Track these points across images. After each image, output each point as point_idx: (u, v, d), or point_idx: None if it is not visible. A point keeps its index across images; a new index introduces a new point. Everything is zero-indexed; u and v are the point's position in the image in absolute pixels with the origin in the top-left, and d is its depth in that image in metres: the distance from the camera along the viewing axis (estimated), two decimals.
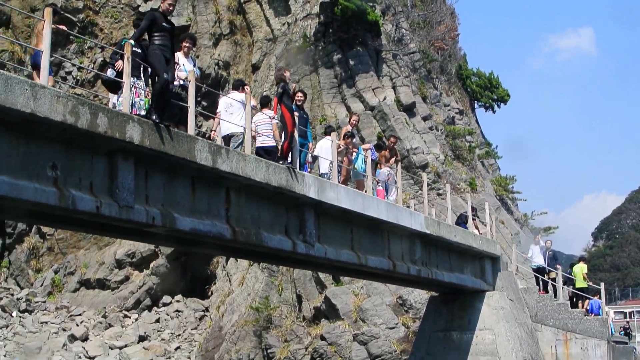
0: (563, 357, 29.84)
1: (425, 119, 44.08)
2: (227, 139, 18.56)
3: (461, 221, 29.47)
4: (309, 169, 20.98)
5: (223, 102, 19.50)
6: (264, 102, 19.63)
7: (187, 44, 17.66)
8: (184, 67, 17.05)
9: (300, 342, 33.29)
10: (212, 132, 21.21)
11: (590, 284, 36.16)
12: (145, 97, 15.44)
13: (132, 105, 14.62)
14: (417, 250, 23.30)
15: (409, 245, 23.16)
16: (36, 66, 15.16)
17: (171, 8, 15.33)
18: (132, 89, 14.77)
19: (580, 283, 35.12)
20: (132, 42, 14.69)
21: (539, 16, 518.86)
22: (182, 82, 16.57)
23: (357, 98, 43.25)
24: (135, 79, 15.13)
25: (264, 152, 17.94)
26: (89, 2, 51.77)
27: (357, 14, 42.69)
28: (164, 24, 14.91)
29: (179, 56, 17.18)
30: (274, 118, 18.78)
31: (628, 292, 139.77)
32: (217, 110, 19.59)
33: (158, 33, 14.80)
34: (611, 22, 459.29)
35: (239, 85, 19.78)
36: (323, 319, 33.90)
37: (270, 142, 18.59)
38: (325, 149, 21.83)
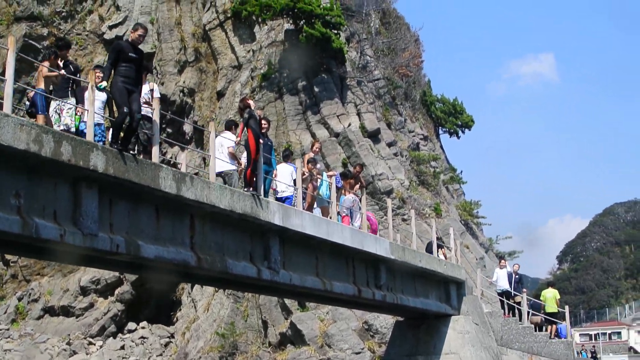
0: None
1: (390, 145, 44.34)
2: (221, 177, 19.01)
3: (430, 249, 29.71)
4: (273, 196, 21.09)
5: (217, 141, 19.56)
6: (229, 126, 19.85)
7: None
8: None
9: None
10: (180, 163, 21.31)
11: (560, 309, 36.44)
12: (76, 115, 15.72)
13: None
14: (382, 276, 23.36)
15: (374, 271, 23.24)
16: (34, 105, 15.55)
17: (141, 39, 15.38)
18: (59, 109, 15.07)
19: (551, 308, 35.39)
20: (104, 83, 14.86)
21: (501, 42, 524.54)
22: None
23: (321, 124, 43.45)
24: (61, 99, 15.43)
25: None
26: (53, 30, 51.70)
27: (322, 42, 42.96)
28: (130, 54, 14.87)
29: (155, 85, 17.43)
30: (239, 143, 18.91)
31: (593, 315, 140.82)
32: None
33: (124, 64, 14.77)
34: (572, 48, 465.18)
35: (230, 125, 20.10)
36: (289, 345, 33.87)
37: (230, 167, 19.17)
38: (283, 173, 21.97)
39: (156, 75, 50.23)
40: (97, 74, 16.18)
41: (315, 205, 22.81)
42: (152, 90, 17.65)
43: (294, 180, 21.30)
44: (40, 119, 15.30)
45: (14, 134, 11.36)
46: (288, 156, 23.43)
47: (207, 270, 16.66)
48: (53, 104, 15.62)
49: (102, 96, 16.58)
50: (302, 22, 43.76)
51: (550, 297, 35.89)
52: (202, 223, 16.35)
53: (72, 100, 16.02)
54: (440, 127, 57.07)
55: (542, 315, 34.66)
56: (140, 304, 46.68)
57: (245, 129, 18.58)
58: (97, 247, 13.35)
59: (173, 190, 14.64)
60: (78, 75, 16.76)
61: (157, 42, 50.90)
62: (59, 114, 15.96)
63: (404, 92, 51.01)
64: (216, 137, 19.60)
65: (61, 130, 14.46)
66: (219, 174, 18.96)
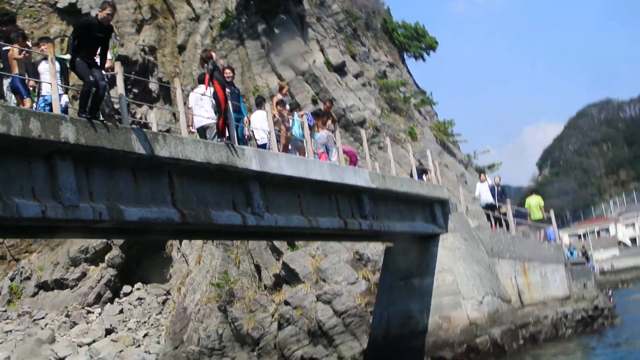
0: (524, 286, 30.51)
1: (357, 76, 44.36)
2: (202, 130, 19.13)
3: (418, 174, 30.01)
4: (249, 144, 21.16)
5: (193, 96, 19.87)
6: (202, 79, 19.94)
7: None
8: None
9: (265, 310, 33.58)
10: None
11: (546, 214, 36.95)
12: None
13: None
14: (365, 206, 23.55)
15: (357, 202, 23.41)
16: (16, 91, 15.50)
17: (109, 17, 15.20)
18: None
19: (537, 215, 35.93)
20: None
21: None
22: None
23: (286, 65, 43.39)
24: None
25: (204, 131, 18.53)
26: (5, 5, 51.04)
27: None
28: (97, 33, 14.72)
29: None
30: (204, 94, 18.99)
31: (579, 214, 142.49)
32: (189, 105, 19.86)
33: (88, 41, 14.61)
34: None
35: (203, 79, 20.13)
36: (284, 285, 34.21)
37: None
38: (259, 120, 22.01)
39: (115, 38, 49.75)
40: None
41: (290, 147, 22.96)
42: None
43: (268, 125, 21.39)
44: (27, 102, 15.33)
45: None
46: (261, 103, 23.42)
47: (192, 224, 16.76)
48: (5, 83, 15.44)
49: (56, 67, 16.60)
50: None
51: (535, 204, 36.43)
52: (181, 179, 16.41)
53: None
54: (404, 53, 56.99)
55: (528, 223, 35.19)
56: (132, 267, 46.93)
57: (211, 80, 18.61)
58: (80, 217, 13.42)
59: (147, 151, 14.71)
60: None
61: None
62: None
63: (364, 22, 50.83)
64: (190, 92, 19.74)
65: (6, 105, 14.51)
66: (200, 129, 19.21)
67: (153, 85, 47.51)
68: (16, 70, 15.77)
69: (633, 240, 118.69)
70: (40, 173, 12.98)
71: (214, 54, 19.59)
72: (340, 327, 30.30)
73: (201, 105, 19.22)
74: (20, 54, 15.85)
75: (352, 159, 25.98)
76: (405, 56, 57.46)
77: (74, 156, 13.40)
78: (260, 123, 21.76)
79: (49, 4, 51.81)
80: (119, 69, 15.99)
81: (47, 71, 15.95)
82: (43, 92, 16.12)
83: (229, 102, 18.57)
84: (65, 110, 15.97)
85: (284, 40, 43.81)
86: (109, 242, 45.86)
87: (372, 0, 53.66)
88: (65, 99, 16.65)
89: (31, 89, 16.18)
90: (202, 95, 19.19)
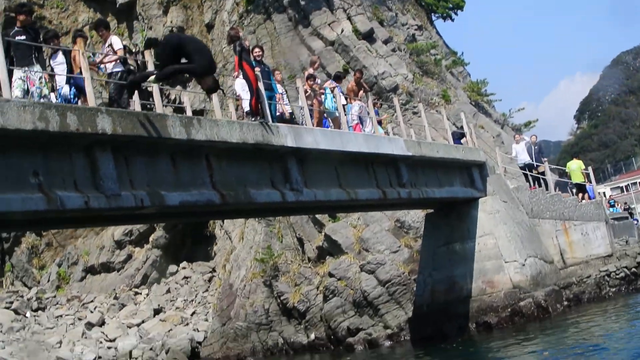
0: (565, 245, 30.48)
1: (386, 42, 44.14)
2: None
3: (456, 138, 29.98)
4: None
5: (238, 83, 20.77)
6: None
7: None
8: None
9: (310, 283, 33.74)
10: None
11: (586, 179, 36.78)
12: (46, 81, 15.82)
13: (30, 95, 15.02)
14: (403, 174, 23.60)
15: (394, 171, 23.48)
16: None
17: None
18: (26, 78, 15.16)
19: (578, 178, 35.82)
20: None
21: None
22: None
23: (315, 36, 43.32)
24: (27, 67, 15.41)
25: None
26: None
27: None
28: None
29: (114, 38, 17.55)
30: (237, 76, 19.12)
31: (620, 167, 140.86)
32: (237, 93, 21.03)
33: None
34: None
35: None
36: (328, 257, 34.34)
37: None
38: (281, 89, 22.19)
39: (142, 21, 49.97)
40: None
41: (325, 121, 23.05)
42: (110, 45, 17.63)
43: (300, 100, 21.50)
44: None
45: (19, 116, 11.62)
46: (337, 78, 23.81)
47: (232, 205, 17.01)
48: (18, 73, 15.49)
49: (62, 60, 16.78)
50: None
51: (576, 168, 36.34)
52: (219, 160, 16.63)
53: (38, 67, 15.93)
54: (432, 14, 56.58)
55: (570, 187, 35.16)
56: (177, 246, 47.37)
57: (240, 62, 18.70)
58: (122, 205, 13.70)
59: (183, 135, 14.92)
60: (39, 41, 16.72)
61: None
62: (27, 84, 15.72)
63: None
64: (235, 79, 20.26)
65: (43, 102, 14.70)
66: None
67: None
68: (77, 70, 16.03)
69: None
70: (81, 165, 13.23)
71: (240, 33, 19.66)
72: (384, 297, 30.40)
73: (247, 91, 19.31)
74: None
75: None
76: (433, 17, 57.05)
77: (112, 146, 13.65)
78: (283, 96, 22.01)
79: None
80: (149, 56, 16.12)
81: (61, 64, 16.18)
82: (58, 85, 16.28)
83: (260, 82, 18.66)
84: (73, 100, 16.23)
85: (310, 11, 43.70)
86: (152, 224, 46.30)
87: None
88: (67, 89, 16.77)
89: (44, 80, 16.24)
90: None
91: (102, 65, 17.37)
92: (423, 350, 26.73)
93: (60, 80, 16.46)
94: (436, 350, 25.93)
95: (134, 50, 48.24)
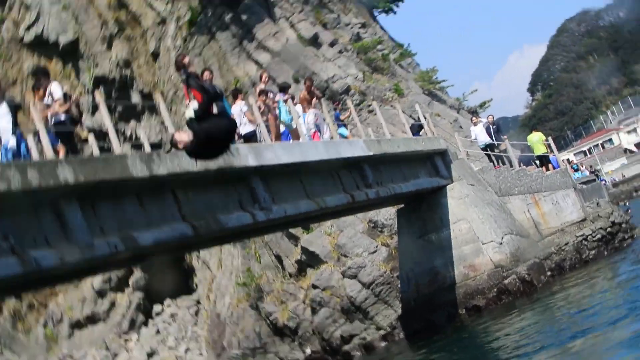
0: (538, 217, 30.63)
1: (332, 44, 44.23)
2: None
3: (415, 130, 30.06)
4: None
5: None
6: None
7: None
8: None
9: (296, 298, 33.68)
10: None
11: (548, 150, 37.03)
12: None
13: None
14: (368, 174, 23.63)
15: (359, 172, 23.50)
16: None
17: None
18: None
19: (539, 150, 36.10)
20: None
21: None
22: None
23: (261, 49, 43.33)
24: None
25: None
26: None
27: None
28: None
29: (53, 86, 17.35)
30: (188, 105, 19.04)
31: (580, 131, 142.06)
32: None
33: None
34: None
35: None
36: (308, 269, 34.28)
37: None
38: (236, 113, 22.02)
39: (88, 60, 49.55)
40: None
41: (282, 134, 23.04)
42: (51, 94, 17.50)
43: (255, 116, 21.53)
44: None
45: None
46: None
47: (205, 234, 16.93)
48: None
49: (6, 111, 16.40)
50: None
51: (537, 141, 36.67)
52: (185, 192, 16.52)
53: None
54: (374, 10, 56.76)
55: (534, 160, 35.42)
56: (157, 285, 47.02)
57: (189, 90, 18.63)
58: (97, 254, 13.51)
59: (146, 173, 14.76)
60: None
61: (77, 26, 49.94)
62: None
63: None
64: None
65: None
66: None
67: (136, 98, 47.36)
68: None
69: (638, 145, 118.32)
70: (49, 220, 13.04)
71: (186, 59, 19.55)
72: (371, 299, 30.46)
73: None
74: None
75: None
76: (375, 13, 57.22)
77: (77, 196, 13.45)
78: (238, 115, 21.84)
79: (16, 40, 51.57)
80: (99, 96, 16.04)
81: (5, 115, 15.85)
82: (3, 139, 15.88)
83: (214, 102, 18.57)
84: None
85: (253, 25, 43.69)
86: (129, 267, 45.86)
87: None
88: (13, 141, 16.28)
89: None
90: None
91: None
92: (418, 344, 26.82)
93: (5, 133, 16.01)
94: (431, 342, 26.02)
95: (79, 92, 47.87)
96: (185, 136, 11.76)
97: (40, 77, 18.09)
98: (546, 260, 28.50)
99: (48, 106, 17.08)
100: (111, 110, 42.54)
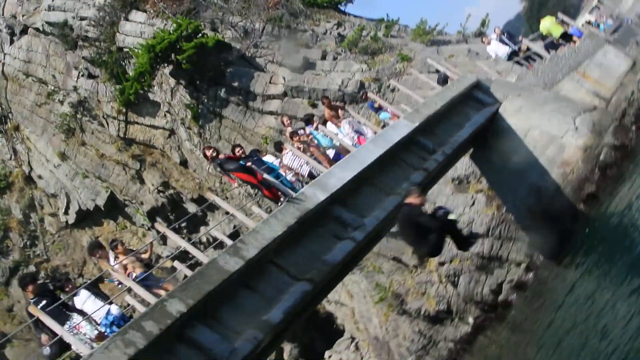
0: (594, 86, 30.18)
1: (324, 57, 44.48)
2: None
3: (442, 82, 29.95)
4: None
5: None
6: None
7: None
8: None
9: (432, 283, 33.50)
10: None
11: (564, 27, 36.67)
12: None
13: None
14: (426, 143, 23.68)
15: (418, 146, 23.54)
16: None
17: None
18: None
19: (557, 31, 35.72)
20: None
21: None
22: None
23: (267, 100, 43.70)
24: (67, 322, 15.06)
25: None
26: None
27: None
28: None
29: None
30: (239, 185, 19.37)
31: None
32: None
33: None
34: None
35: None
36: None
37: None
38: (289, 158, 22.19)
39: (131, 204, 50.48)
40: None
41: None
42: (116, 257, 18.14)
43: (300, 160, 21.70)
44: None
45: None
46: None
47: (323, 280, 17.19)
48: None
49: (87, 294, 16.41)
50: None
51: (550, 25, 36.22)
52: (283, 257, 16.82)
53: (75, 315, 15.51)
54: (339, 7, 56.66)
55: (558, 43, 35.03)
56: (310, 344, 47.08)
57: (228, 174, 19.05)
58: (245, 355, 13.88)
59: (240, 262, 15.22)
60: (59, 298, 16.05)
61: (104, 183, 50.98)
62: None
63: (288, 15, 50.81)
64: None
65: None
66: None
67: (192, 208, 47.88)
68: None
69: None
70: (186, 353, 13.47)
71: (208, 152, 19.78)
72: (496, 244, 30.11)
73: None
74: None
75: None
76: (341, 8, 57.13)
77: (197, 317, 13.91)
78: (292, 161, 21.99)
79: (63, 227, 52.89)
80: (162, 227, 16.35)
81: (88, 297, 15.93)
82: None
83: (259, 171, 18.89)
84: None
85: (247, 85, 44.01)
86: None
87: None
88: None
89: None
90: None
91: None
92: (562, 261, 26.64)
93: (99, 311, 15.82)
94: (573, 251, 25.84)
95: (142, 233, 48.83)
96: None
97: (97, 251, 18.50)
98: (624, 118, 28.11)
99: (125, 268, 17.36)
100: (178, 230, 43.02)
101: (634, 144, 26.48)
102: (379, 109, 27.87)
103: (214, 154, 19.47)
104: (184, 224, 46.50)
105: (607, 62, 30.97)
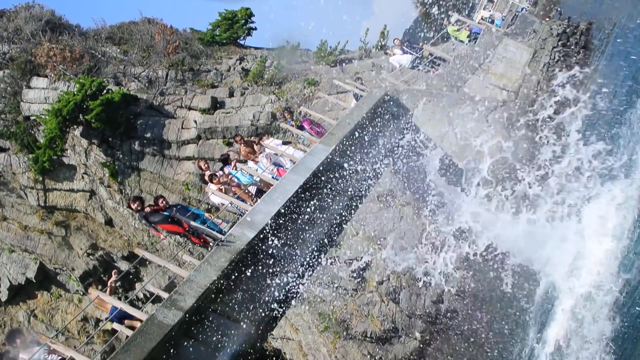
0: (499, 81, 30.56)
1: (231, 95, 44.43)
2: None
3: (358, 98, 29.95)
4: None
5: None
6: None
7: None
8: None
9: (370, 302, 33.66)
10: None
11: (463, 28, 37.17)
12: None
13: None
14: (344, 165, 23.70)
15: (337, 171, 23.50)
16: None
17: None
18: None
19: (464, 36, 36.15)
20: None
21: None
22: None
23: (182, 145, 43.41)
24: None
25: None
26: None
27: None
28: None
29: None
30: (165, 237, 19.11)
31: None
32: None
33: None
34: None
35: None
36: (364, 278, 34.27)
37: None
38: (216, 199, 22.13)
39: (62, 272, 49.61)
40: None
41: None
42: None
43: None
44: None
45: None
46: (225, 161, 23.98)
47: (265, 320, 16.96)
48: None
49: None
50: None
51: (452, 31, 36.67)
52: (220, 302, 16.59)
53: None
54: (238, 41, 56.64)
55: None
56: None
57: (155, 227, 18.82)
58: None
59: (178, 315, 14.94)
60: None
61: (33, 261, 50.15)
62: None
63: (188, 68, 50.67)
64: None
65: None
66: None
67: (124, 266, 47.32)
68: None
69: None
70: None
71: (133, 205, 19.61)
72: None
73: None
74: None
75: (322, 131, 26.40)
76: (241, 42, 57.08)
77: None
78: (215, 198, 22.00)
79: None
80: (94, 291, 16.06)
81: None
82: None
83: (184, 220, 18.70)
84: None
85: (159, 133, 43.66)
86: None
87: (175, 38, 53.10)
88: None
89: None
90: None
91: None
92: None
93: None
94: None
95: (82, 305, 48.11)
96: None
97: (17, 337, 17.82)
98: (534, 108, 28.45)
99: None
100: (117, 293, 42.28)
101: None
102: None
103: (139, 207, 19.25)
104: (119, 284, 45.76)
105: (509, 55, 31.40)
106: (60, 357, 16.06)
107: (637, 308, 23.72)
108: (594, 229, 25.40)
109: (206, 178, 23.76)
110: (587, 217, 25.79)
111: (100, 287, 18.80)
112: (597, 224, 25.51)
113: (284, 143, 26.73)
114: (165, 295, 16.74)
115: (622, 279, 24.31)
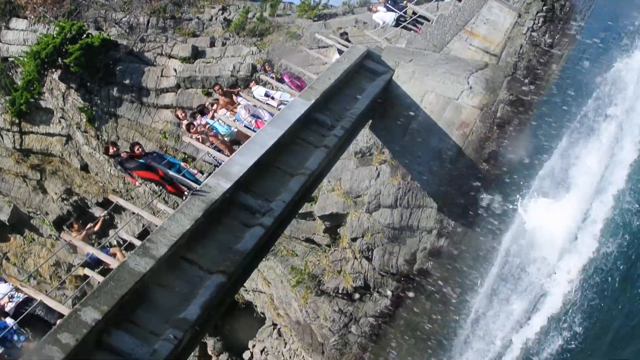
0: (482, 42, 30.50)
1: (212, 44, 44.02)
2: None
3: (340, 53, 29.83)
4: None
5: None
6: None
7: None
8: None
9: (347, 260, 33.76)
10: None
11: None
12: None
13: None
14: (324, 119, 23.65)
15: (316, 123, 23.51)
16: None
17: None
18: None
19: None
20: None
21: None
22: None
23: (161, 93, 43.13)
24: None
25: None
26: None
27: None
28: None
29: None
30: (140, 184, 19.04)
31: None
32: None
33: None
34: None
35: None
36: (339, 229, 34.34)
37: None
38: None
39: (36, 216, 49.42)
40: None
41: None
42: None
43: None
44: None
45: None
46: (202, 112, 23.90)
47: (237, 270, 17.00)
48: None
49: None
50: None
51: None
52: (193, 250, 16.62)
53: None
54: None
55: None
56: (233, 337, 46.90)
57: (129, 173, 18.76)
58: (165, 355, 13.74)
59: (150, 262, 14.93)
60: None
61: (6, 198, 49.86)
62: None
63: (170, 17, 50.13)
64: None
65: None
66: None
67: (98, 212, 47.11)
68: None
69: None
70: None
71: (111, 149, 19.57)
72: (405, 213, 30.38)
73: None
74: None
75: (302, 85, 26.27)
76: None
77: (114, 323, 13.76)
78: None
79: None
80: (67, 236, 15.93)
81: None
82: None
83: (160, 168, 18.61)
84: None
85: (138, 81, 43.29)
86: None
87: None
88: None
89: None
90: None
91: None
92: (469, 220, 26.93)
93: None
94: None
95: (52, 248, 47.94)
96: None
97: None
98: (516, 72, 28.44)
99: None
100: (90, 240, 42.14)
101: (530, 98, 26.84)
102: (274, 92, 27.62)
103: (115, 152, 19.20)
104: (90, 232, 45.58)
105: (492, 17, 31.26)
106: (25, 296, 16.03)
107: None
108: None
109: (183, 127, 23.64)
110: None
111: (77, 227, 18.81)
112: None
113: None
114: (137, 242, 16.67)
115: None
